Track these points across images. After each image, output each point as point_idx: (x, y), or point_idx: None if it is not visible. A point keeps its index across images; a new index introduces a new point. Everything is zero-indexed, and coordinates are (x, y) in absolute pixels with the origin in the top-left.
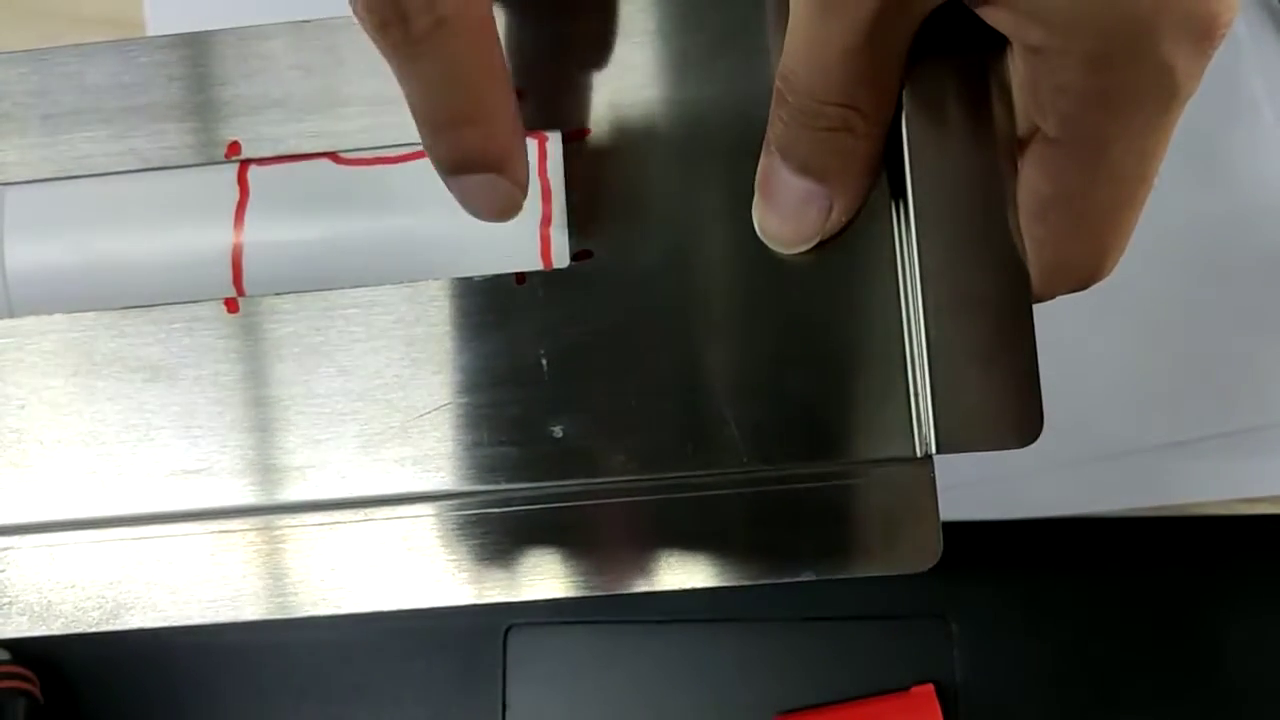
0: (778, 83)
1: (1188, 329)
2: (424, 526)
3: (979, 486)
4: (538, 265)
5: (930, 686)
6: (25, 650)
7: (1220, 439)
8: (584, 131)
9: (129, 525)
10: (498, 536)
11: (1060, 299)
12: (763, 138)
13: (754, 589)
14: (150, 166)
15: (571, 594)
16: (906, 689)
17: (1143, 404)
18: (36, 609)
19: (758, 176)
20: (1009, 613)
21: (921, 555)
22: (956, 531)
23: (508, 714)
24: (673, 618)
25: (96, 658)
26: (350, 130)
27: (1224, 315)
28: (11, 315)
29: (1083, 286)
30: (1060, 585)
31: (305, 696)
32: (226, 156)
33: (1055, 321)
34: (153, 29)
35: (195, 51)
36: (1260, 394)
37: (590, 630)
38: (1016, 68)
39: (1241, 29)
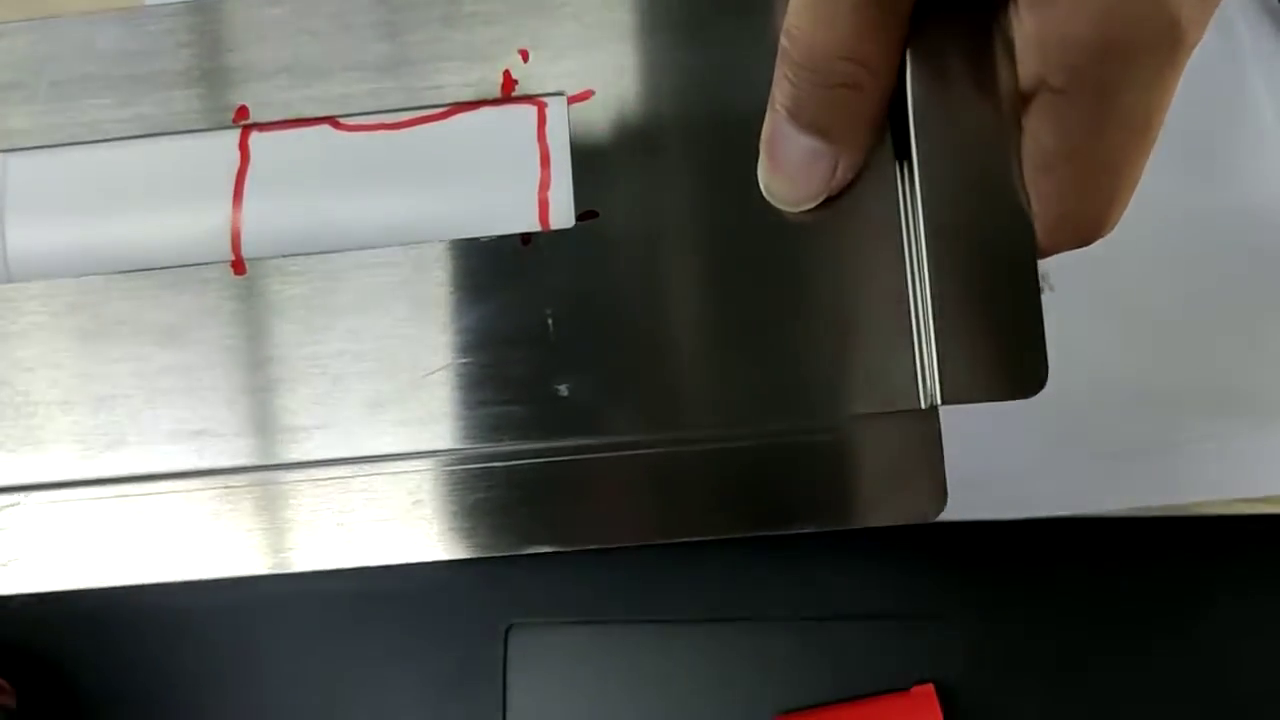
0: (783, 39)
1: (1188, 328)
2: (429, 482)
3: (979, 486)
4: (537, 228)
5: (930, 686)
6: (3, 659)
7: (1220, 439)
8: (588, 93)
9: (136, 483)
10: (503, 491)
11: (1059, 298)
12: (768, 97)
13: (754, 588)
14: (157, 132)
15: (576, 547)
16: (906, 689)
17: (1143, 404)
18: (43, 566)
19: (763, 135)
20: (1009, 613)
21: (927, 505)
22: (957, 531)
23: (508, 714)
24: (673, 618)
25: (80, 664)
26: (357, 94)
27: (1224, 314)
28: (9, 281)
29: (1086, 242)
30: (1060, 585)
31: (304, 696)
32: (235, 121)
33: (1055, 321)
34: None
35: (203, 18)
36: (1260, 394)
37: (590, 630)
38: (1021, 20)
39: (1242, 29)
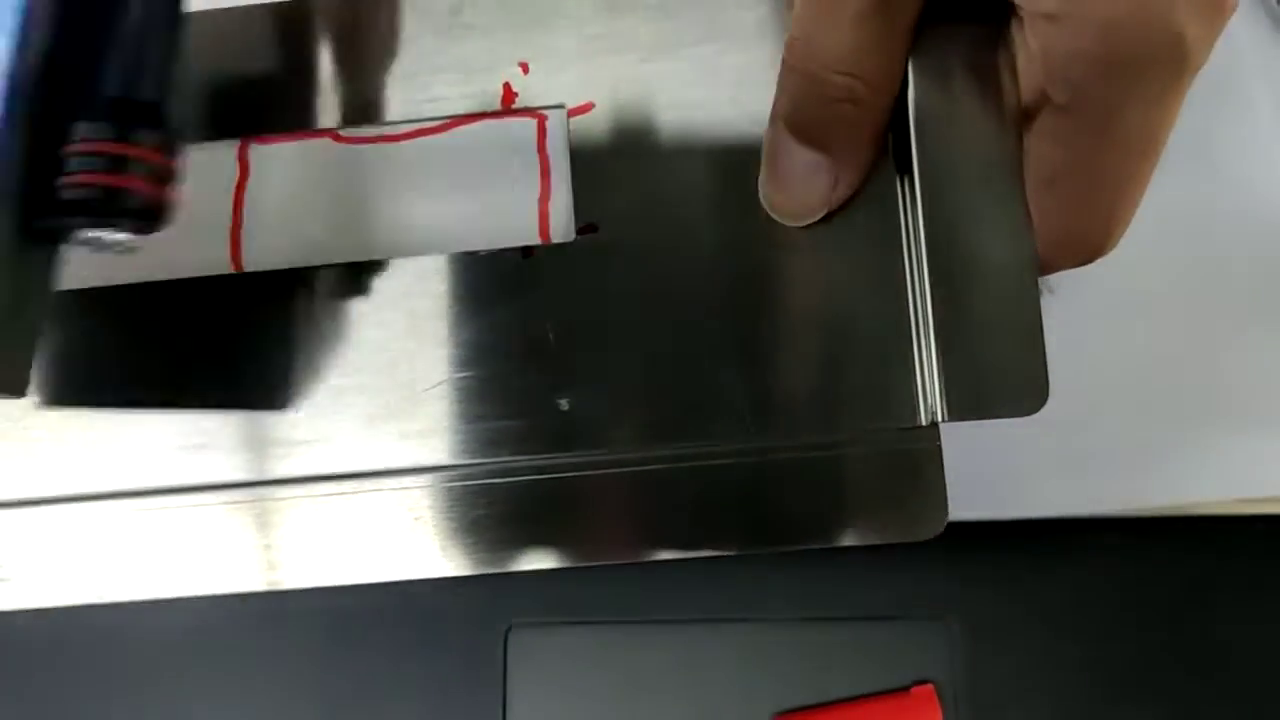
0: (785, 52)
1: (1187, 328)
2: (428, 498)
3: (979, 486)
4: (536, 241)
5: (930, 686)
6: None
7: (1220, 439)
8: (588, 106)
9: (133, 498)
10: (501, 507)
11: (1060, 297)
12: (769, 110)
13: (754, 588)
14: None
15: (574, 564)
16: (906, 689)
17: (1143, 403)
18: (40, 582)
19: (763, 148)
20: (1009, 613)
21: (927, 524)
22: (956, 531)
23: (508, 714)
24: (673, 618)
25: (78, 676)
26: (359, 106)
27: (1223, 314)
28: None
29: (1087, 260)
30: (1060, 585)
31: (304, 696)
32: (240, 134)
33: (1054, 321)
34: None
35: (203, 29)
36: (1260, 393)
37: (590, 630)
38: (1026, 36)
39: (1241, 29)
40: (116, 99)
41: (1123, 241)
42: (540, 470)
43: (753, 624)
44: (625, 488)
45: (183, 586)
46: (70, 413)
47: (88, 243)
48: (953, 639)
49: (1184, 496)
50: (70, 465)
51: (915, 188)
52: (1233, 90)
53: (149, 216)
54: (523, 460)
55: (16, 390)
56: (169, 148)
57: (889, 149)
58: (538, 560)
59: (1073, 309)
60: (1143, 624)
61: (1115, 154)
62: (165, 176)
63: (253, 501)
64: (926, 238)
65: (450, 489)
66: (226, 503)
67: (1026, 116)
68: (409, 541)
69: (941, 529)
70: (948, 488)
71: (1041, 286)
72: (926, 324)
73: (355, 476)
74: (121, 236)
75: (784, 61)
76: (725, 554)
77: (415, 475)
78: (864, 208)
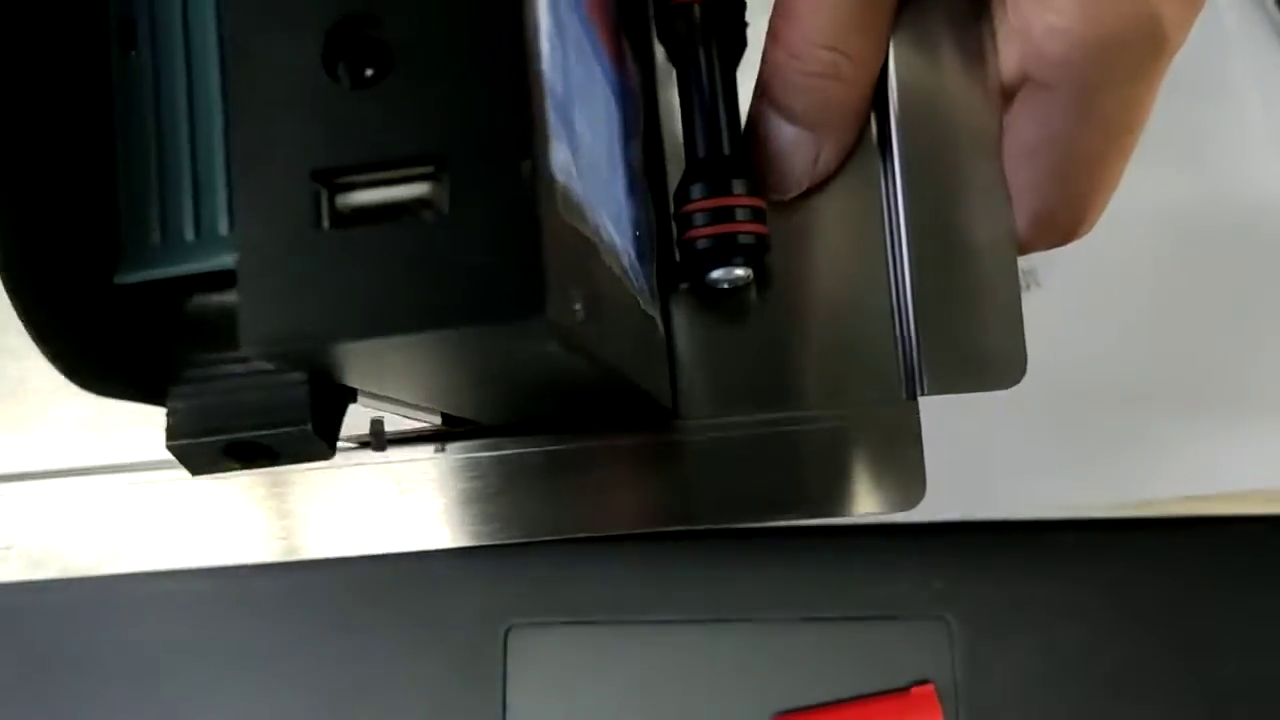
0: (770, 24)
1: (1182, 324)
2: (419, 471)
3: (978, 486)
4: None
5: (930, 686)
6: None
7: (1220, 436)
8: None
9: (131, 471)
10: (492, 480)
11: (1055, 296)
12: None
13: (754, 588)
14: None
15: (563, 535)
16: (906, 689)
17: (1141, 403)
18: (36, 554)
19: (746, 121)
20: (1009, 613)
21: (906, 495)
22: (956, 531)
23: (508, 714)
24: (673, 618)
25: (74, 657)
26: None
27: (1217, 308)
28: None
29: (1063, 241)
30: (1060, 585)
31: (303, 695)
32: None
33: (1052, 320)
34: None
35: None
36: (1256, 390)
37: (590, 630)
38: (1006, 14)
39: (1231, 23)
40: (707, 160)
41: (1117, 239)
42: (529, 444)
43: (753, 624)
44: (609, 462)
45: (173, 559)
46: (65, 384)
47: (713, 282)
48: (953, 639)
49: (1183, 493)
50: (70, 436)
51: (896, 163)
52: (1222, 85)
53: (758, 251)
54: (511, 434)
55: (665, 398)
56: (756, 189)
57: (871, 124)
58: (525, 533)
59: (1069, 308)
60: (1142, 624)
61: (1093, 133)
62: (760, 215)
63: (242, 474)
64: (907, 213)
65: (441, 461)
66: (215, 478)
67: (1006, 94)
68: (397, 514)
69: (919, 501)
70: (948, 487)
71: (1029, 280)
72: (906, 298)
73: (344, 449)
74: (741, 272)
75: (768, 36)
76: (709, 528)
77: (403, 448)
78: (845, 183)
